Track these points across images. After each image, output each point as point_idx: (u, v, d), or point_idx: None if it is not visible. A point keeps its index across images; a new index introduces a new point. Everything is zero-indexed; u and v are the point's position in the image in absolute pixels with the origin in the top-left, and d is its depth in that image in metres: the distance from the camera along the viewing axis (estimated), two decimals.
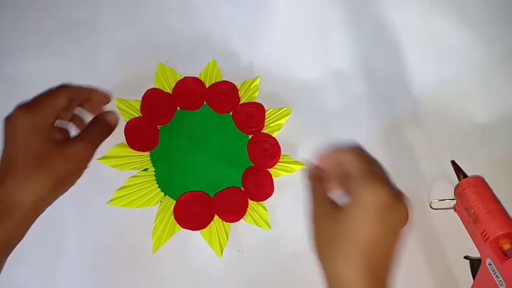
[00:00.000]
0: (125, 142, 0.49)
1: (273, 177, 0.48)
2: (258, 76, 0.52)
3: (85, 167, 0.42)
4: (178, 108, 0.51)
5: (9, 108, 0.51)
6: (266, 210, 0.47)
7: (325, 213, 0.38)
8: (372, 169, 0.37)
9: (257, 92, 0.51)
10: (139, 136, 0.49)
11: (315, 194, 0.41)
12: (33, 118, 0.41)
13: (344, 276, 0.34)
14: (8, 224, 0.37)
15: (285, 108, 0.51)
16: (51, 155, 0.40)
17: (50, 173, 0.39)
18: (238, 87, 0.51)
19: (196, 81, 0.51)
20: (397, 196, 0.35)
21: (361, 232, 0.34)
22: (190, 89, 0.51)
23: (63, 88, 0.44)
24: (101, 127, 0.45)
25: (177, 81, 0.51)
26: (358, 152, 0.40)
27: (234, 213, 0.47)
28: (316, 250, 0.37)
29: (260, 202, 0.48)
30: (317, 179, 0.42)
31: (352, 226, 0.35)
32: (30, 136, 0.40)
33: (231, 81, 0.51)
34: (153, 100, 0.50)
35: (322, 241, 0.37)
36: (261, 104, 0.50)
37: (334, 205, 0.38)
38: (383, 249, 0.35)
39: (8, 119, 0.41)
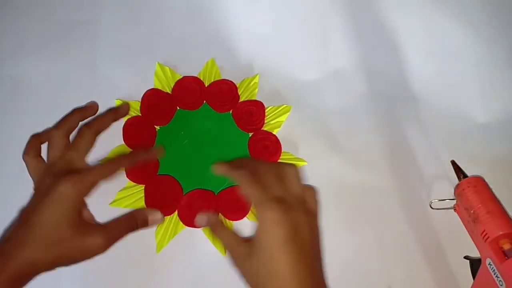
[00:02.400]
0: (125, 144, 0.49)
1: None
2: (257, 74, 0.52)
3: (93, 255, 0.39)
4: (178, 108, 0.51)
5: (9, 108, 0.52)
6: None
7: (244, 254, 0.36)
8: (262, 195, 0.36)
9: (256, 90, 0.51)
10: (136, 135, 0.49)
11: (227, 239, 0.38)
12: (78, 195, 0.38)
13: None
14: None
15: (285, 105, 0.51)
16: (71, 240, 0.37)
17: (62, 256, 0.37)
18: (237, 85, 0.51)
19: (195, 80, 0.51)
20: (289, 210, 0.35)
21: (279, 264, 0.34)
22: (189, 89, 0.51)
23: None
24: (129, 228, 0.40)
25: (176, 80, 0.51)
26: (250, 176, 0.37)
27: (238, 211, 0.47)
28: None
29: None
30: (220, 224, 0.40)
31: (269, 262, 0.34)
32: (68, 212, 0.37)
33: (230, 79, 0.51)
34: (152, 100, 0.50)
35: (254, 281, 0.37)
36: (261, 102, 0.50)
37: (245, 242, 0.37)
38: (307, 263, 0.35)
39: (54, 185, 0.37)
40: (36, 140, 0.42)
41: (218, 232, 0.39)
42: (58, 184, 0.37)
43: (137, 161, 0.42)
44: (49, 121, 0.51)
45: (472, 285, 0.44)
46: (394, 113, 0.52)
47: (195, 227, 0.46)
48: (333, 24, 0.55)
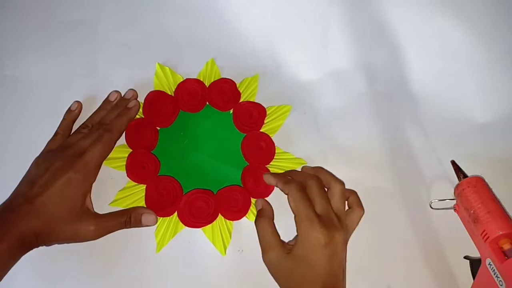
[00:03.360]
0: (126, 144, 0.48)
1: None
2: (257, 74, 0.52)
3: (81, 240, 0.43)
4: (181, 110, 0.51)
5: (10, 109, 0.52)
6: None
7: (278, 259, 0.41)
8: (305, 215, 0.41)
9: (256, 90, 0.52)
10: (139, 136, 0.49)
11: (265, 237, 0.43)
12: (86, 183, 0.43)
13: None
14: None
15: (285, 105, 0.51)
16: (68, 222, 0.42)
17: (58, 234, 0.42)
18: (237, 85, 0.51)
19: (197, 82, 0.51)
20: (330, 229, 0.40)
21: (314, 271, 0.39)
22: (191, 91, 0.51)
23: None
24: (121, 223, 0.44)
25: (176, 80, 0.51)
26: (298, 192, 0.42)
27: (237, 211, 0.47)
28: None
29: None
30: (266, 217, 0.44)
31: (305, 267, 0.40)
32: (74, 197, 0.42)
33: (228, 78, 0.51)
34: (155, 102, 0.50)
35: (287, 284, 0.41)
36: (263, 107, 0.50)
37: (283, 247, 0.42)
38: (335, 275, 0.40)
39: (65, 170, 0.42)
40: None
41: (260, 222, 0.44)
42: (66, 171, 0.42)
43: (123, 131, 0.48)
44: (49, 121, 0.51)
45: (472, 285, 0.44)
46: (394, 113, 0.52)
47: (194, 227, 0.46)
48: (333, 24, 0.55)
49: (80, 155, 0.43)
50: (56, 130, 0.48)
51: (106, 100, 0.50)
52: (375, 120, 0.52)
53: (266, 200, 0.46)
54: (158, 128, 0.50)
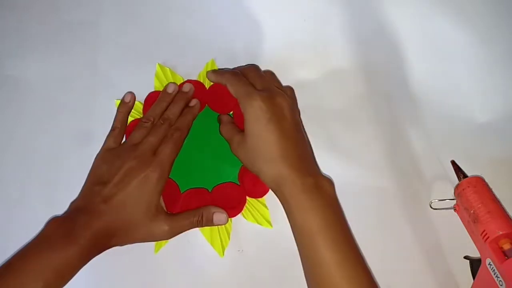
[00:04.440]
0: None
1: None
2: None
3: (153, 240, 0.44)
4: None
5: (10, 109, 0.52)
6: (267, 208, 0.47)
7: (239, 140, 0.44)
8: (244, 90, 0.43)
9: None
10: None
11: (228, 131, 0.47)
12: (161, 182, 0.43)
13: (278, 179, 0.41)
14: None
15: None
16: (143, 223, 0.42)
17: (132, 234, 0.42)
18: None
19: (197, 84, 0.51)
20: (271, 96, 0.42)
21: (266, 141, 0.41)
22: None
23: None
24: (193, 223, 0.44)
25: (176, 81, 0.51)
26: (235, 76, 0.45)
27: (232, 208, 0.47)
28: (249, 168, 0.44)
29: (261, 201, 0.48)
30: (227, 121, 0.48)
31: (257, 140, 0.42)
32: (150, 197, 0.42)
33: None
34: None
35: (249, 162, 0.43)
36: None
37: (241, 131, 0.44)
38: (291, 138, 0.42)
39: (141, 170, 0.42)
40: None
41: (223, 126, 0.47)
42: (142, 170, 0.42)
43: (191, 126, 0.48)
44: (50, 121, 0.51)
45: (472, 285, 0.44)
46: (394, 113, 0.52)
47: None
48: (333, 24, 0.55)
49: (154, 154, 0.43)
50: (113, 125, 0.48)
51: (165, 92, 0.49)
52: (375, 120, 0.52)
53: (228, 116, 0.49)
54: None
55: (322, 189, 0.40)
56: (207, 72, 0.49)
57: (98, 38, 0.54)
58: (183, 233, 0.46)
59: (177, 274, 0.46)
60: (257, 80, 0.45)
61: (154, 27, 0.55)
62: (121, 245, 0.42)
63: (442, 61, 0.54)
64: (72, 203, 0.43)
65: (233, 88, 0.44)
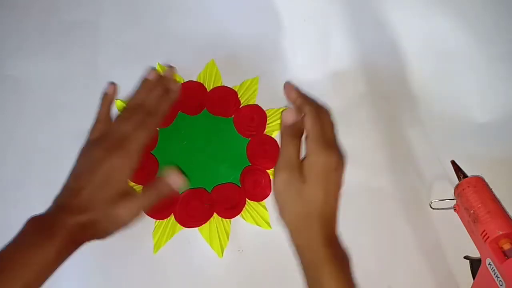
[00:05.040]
0: None
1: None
2: (257, 76, 0.52)
3: (119, 227, 0.42)
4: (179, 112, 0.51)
5: (10, 109, 0.52)
6: (266, 210, 0.47)
7: (293, 181, 0.40)
8: (324, 134, 0.41)
9: (256, 92, 0.51)
10: None
11: (290, 153, 0.41)
12: (127, 169, 0.42)
13: (310, 249, 0.39)
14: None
15: (285, 107, 0.51)
16: (107, 208, 0.41)
17: (107, 228, 0.41)
18: (237, 88, 0.51)
19: (198, 85, 0.51)
20: (341, 157, 0.41)
21: (318, 202, 0.39)
22: (191, 94, 0.51)
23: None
24: (156, 194, 0.43)
25: (176, 81, 0.51)
26: (316, 112, 0.42)
27: (231, 208, 0.47)
28: (281, 214, 0.41)
29: (261, 202, 0.48)
30: (297, 137, 0.42)
31: (309, 198, 0.39)
32: (117, 185, 0.41)
33: (230, 81, 0.51)
34: None
35: (287, 209, 0.41)
36: (263, 110, 0.50)
37: (300, 170, 0.40)
38: (334, 208, 0.41)
39: (108, 158, 0.41)
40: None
41: (290, 136, 0.42)
42: (108, 159, 0.41)
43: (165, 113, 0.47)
44: (50, 121, 0.51)
45: (472, 285, 0.44)
46: (394, 113, 0.52)
47: (191, 227, 0.46)
48: (333, 24, 0.55)
49: (122, 141, 0.43)
50: (96, 118, 0.47)
51: (145, 80, 0.49)
52: (375, 120, 0.52)
53: (294, 111, 0.43)
54: (158, 129, 0.50)
55: (344, 260, 0.40)
56: (287, 85, 0.46)
57: (98, 38, 0.54)
58: (183, 233, 0.46)
59: (176, 275, 0.46)
60: (329, 130, 0.43)
61: (154, 27, 0.55)
62: (99, 238, 0.42)
63: (442, 61, 0.54)
64: (54, 200, 0.43)
65: (312, 123, 0.41)
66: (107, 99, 0.48)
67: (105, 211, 0.40)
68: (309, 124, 0.41)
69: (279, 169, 0.41)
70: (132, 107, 0.46)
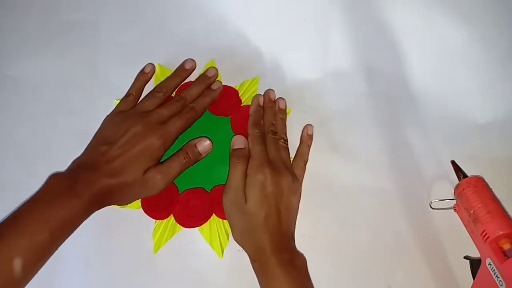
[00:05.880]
0: None
1: None
2: (257, 76, 0.52)
3: (153, 193, 0.45)
4: None
5: (11, 109, 0.52)
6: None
7: (237, 200, 0.43)
8: (262, 156, 0.44)
9: (256, 92, 0.51)
10: None
11: (236, 178, 0.44)
12: (162, 151, 0.45)
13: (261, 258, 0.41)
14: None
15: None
16: (138, 178, 0.43)
17: (131, 198, 0.45)
18: (237, 88, 0.51)
19: None
20: (276, 173, 0.43)
21: (259, 216, 0.42)
22: None
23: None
24: (181, 157, 0.46)
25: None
26: (259, 138, 0.46)
27: None
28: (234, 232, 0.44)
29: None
30: (243, 160, 0.45)
31: (251, 213, 0.42)
32: (149, 161, 0.44)
33: (230, 81, 0.51)
34: None
35: (235, 227, 0.44)
36: None
37: (243, 190, 0.44)
38: (279, 219, 0.43)
39: (144, 136, 0.44)
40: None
41: (238, 162, 0.45)
42: (148, 136, 0.43)
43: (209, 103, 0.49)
44: (50, 121, 0.51)
45: (472, 285, 0.44)
46: (394, 113, 0.52)
47: (191, 227, 0.46)
48: (333, 24, 0.55)
49: (162, 124, 0.45)
50: (128, 91, 0.50)
51: (182, 67, 0.51)
52: (375, 120, 0.52)
53: (244, 138, 0.47)
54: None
55: (297, 265, 0.42)
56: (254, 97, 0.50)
57: (98, 38, 0.54)
58: (183, 233, 0.46)
59: (176, 275, 0.46)
60: (272, 147, 0.46)
61: (154, 27, 0.55)
62: (120, 204, 0.45)
63: (442, 61, 0.54)
64: (75, 160, 0.45)
65: (253, 152, 0.45)
66: (144, 77, 0.51)
67: (137, 178, 0.43)
68: (250, 148, 0.46)
69: (226, 190, 0.44)
70: (168, 90, 0.49)
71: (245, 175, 0.44)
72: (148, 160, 0.44)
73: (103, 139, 0.45)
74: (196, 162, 0.47)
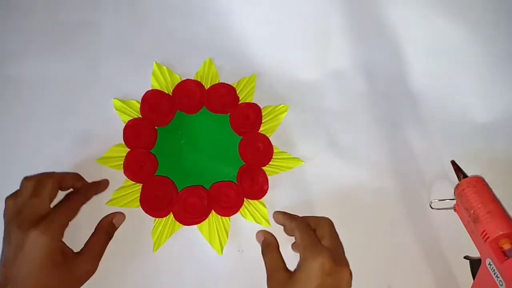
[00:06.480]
0: (123, 143, 0.48)
1: (271, 175, 0.48)
2: (254, 74, 0.52)
3: (88, 279, 0.42)
4: (178, 110, 0.51)
5: (12, 109, 0.52)
6: (265, 207, 0.47)
7: (281, 281, 0.40)
8: (313, 242, 0.40)
9: (253, 90, 0.52)
10: (138, 136, 0.49)
11: (271, 262, 0.43)
12: (48, 242, 0.39)
13: None
14: None
15: (283, 105, 0.51)
16: (61, 279, 0.39)
17: None
18: (234, 85, 0.51)
19: (196, 84, 0.51)
20: (338, 263, 0.39)
21: None
22: (190, 92, 0.51)
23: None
24: (103, 236, 0.44)
25: (173, 80, 0.51)
26: (302, 225, 0.43)
27: (229, 207, 0.47)
28: None
29: (259, 199, 0.48)
30: (272, 246, 0.45)
31: None
32: (47, 258, 0.39)
33: (228, 79, 0.51)
34: (153, 101, 0.50)
35: None
36: (258, 107, 0.50)
37: (287, 272, 0.41)
38: None
39: (22, 235, 0.38)
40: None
41: (267, 252, 0.44)
42: (29, 235, 0.38)
43: (91, 197, 0.45)
44: (50, 121, 0.51)
45: (472, 285, 0.44)
46: (394, 113, 0.52)
47: (190, 224, 0.46)
48: (333, 24, 0.55)
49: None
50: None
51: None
52: (375, 119, 0.52)
53: (267, 231, 0.46)
54: (157, 128, 0.50)
55: None
56: (275, 213, 0.47)
57: (98, 38, 0.54)
58: (183, 231, 0.46)
59: (176, 273, 0.46)
60: (327, 236, 0.42)
61: (153, 26, 0.55)
62: None
63: (442, 61, 0.54)
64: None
65: (300, 235, 0.41)
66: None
67: (58, 283, 0.39)
68: (297, 237, 0.42)
69: (268, 277, 0.42)
70: None
71: (283, 263, 0.43)
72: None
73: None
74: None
